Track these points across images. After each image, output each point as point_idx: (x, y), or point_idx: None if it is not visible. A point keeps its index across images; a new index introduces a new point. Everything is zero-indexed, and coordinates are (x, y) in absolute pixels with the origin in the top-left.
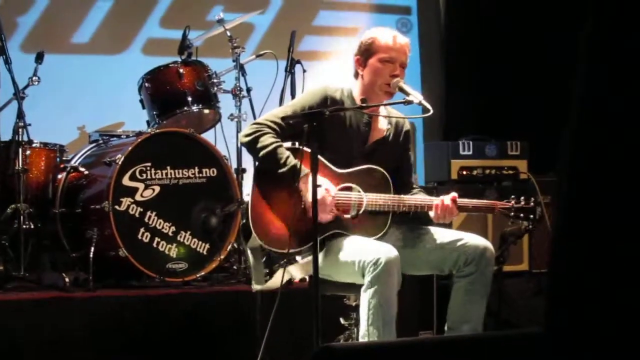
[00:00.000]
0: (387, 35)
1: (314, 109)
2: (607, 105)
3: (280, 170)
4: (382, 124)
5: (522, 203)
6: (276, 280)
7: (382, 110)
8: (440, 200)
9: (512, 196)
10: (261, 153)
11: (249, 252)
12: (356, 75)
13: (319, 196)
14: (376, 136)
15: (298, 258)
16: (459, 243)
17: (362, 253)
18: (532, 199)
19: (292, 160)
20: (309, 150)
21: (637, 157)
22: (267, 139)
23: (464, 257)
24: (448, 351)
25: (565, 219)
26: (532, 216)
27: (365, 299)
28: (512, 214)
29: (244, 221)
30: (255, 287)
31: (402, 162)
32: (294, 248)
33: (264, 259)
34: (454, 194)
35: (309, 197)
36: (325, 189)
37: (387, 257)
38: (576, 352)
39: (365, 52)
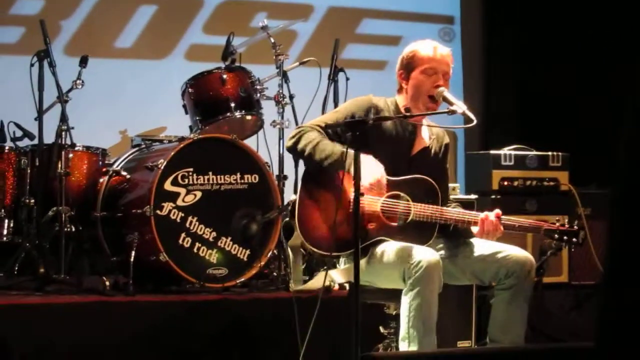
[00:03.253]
0: (428, 46)
1: (356, 118)
2: None
3: (328, 161)
4: (425, 135)
5: (567, 226)
6: (316, 281)
7: (424, 121)
8: (485, 215)
9: (557, 218)
10: (307, 149)
11: (289, 250)
12: (400, 89)
13: (377, 176)
14: (419, 147)
15: (340, 263)
16: (500, 255)
17: (404, 257)
18: (576, 222)
19: (339, 148)
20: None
21: None
22: (311, 135)
23: (504, 270)
24: None
25: (618, 230)
26: (575, 239)
27: (406, 301)
28: (557, 236)
29: (287, 219)
30: (293, 287)
31: (441, 174)
32: (336, 252)
33: (304, 259)
34: (497, 211)
35: (363, 180)
36: (381, 174)
37: (429, 260)
38: None
39: (408, 66)
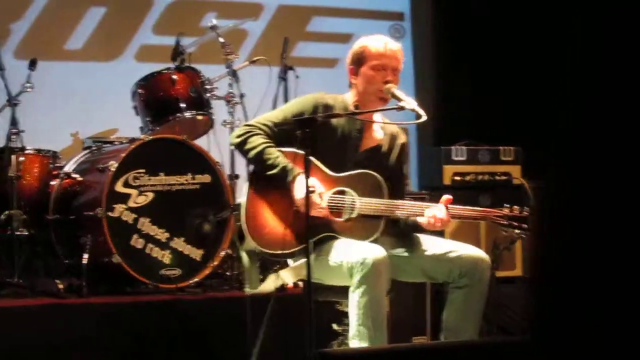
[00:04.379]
0: (378, 42)
1: (305, 115)
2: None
3: (270, 172)
4: (377, 133)
5: (516, 212)
6: (269, 284)
7: (377, 119)
8: (433, 207)
9: (506, 205)
10: (251, 153)
11: (243, 254)
12: (350, 85)
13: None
14: (369, 144)
15: (290, 262)
16: (453, 254)
17: (350, 254)
18: (526, 207)
19: (283, 161)
20: (300, 152)
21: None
22: (257, 139)
23: (457, 270)
24: (441, 357)
25: (547, 231)
26: (525, 225)
27: (354, 299)
28: (505, 222)
29: (239, 223)
30: (249, 290)
31: (395, 173)
32: (286, 250)
33: (258, 262)
34: (448, 197)
35: (297, 197)
36: (312, 186)
37: (375, 256)
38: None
39: (358, 61)
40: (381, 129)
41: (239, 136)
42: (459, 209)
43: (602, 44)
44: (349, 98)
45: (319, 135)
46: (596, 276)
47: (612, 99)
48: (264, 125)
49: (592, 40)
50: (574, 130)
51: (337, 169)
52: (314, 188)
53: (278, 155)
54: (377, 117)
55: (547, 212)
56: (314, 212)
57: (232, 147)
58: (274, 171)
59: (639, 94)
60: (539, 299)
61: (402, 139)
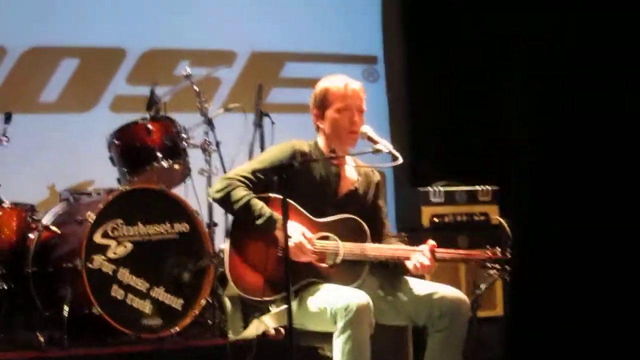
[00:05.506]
0: (339, 83)
1: (282, 163)
2: None
3: (257, 222)
4: (352, 175)
5: (499, 254)
6: (251, 330)
7: (349, 161)
8: (419, 251)
9: (487, 246)
10: (235, 207)
11: (226, 300)
12: (317, 128)
13: (296, 241)
14: (347, 187)
15: (272, 308)
16: (435, 296)
17: (333, 300)
18: (509, 250)
19: (267, 211)
20: (279, 197)
21: None
22: (239, 192)
23: (438, 311)
24: None
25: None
26: (507, 267)
27: (339, 344)
28: (489, 265)
29: (222, 269)
30: (232, 336)
31: (374, 212)
32: (269, 296)
33: (241, 308)
34: (432, 243)
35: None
36: (302, 233)
37: (358, 302)
38: None
39: (321, 105)
40: (355, 170)
41: (219, 190)
42: (444, 252)
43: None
44: (320, 142)
45: (298, 182)
46: (572, 315)
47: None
48: (243, 176)
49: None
50: (533, 165)
51: (317, 214)
52: (303, 235)
53: (262, 206)
54: (349, 159)
55: (519, 250)
56: (304, 258)
57: (213, 201)
58: (260, 222)
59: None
60: (512, 335)
61: (376, 177)
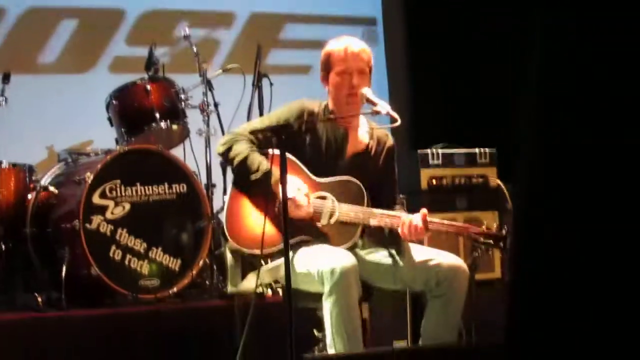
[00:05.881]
0: (340, 46)
1: (290, 122)
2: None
3: (253, 177)
4: (363, 137)
5: (494, 230)
6: (248, 283)
7: (363, 124)
8: (409, 219)
9: (485, 223)
10: (235, 160)
11: (228, 253)
12: (328, 91)
13: (291, 195)
14: (355, 149)
15: (268, 262)
16: (431, 263)
17: (320, 262)
18: (505, 227)
19: (265, 166)
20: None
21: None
22: (241, 146)
23: (435, 278)
24: None
25: (522, 240)
26: (502, 244)
27: (327, 307)
28: (482, 239)
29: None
30: (231, 289)
31: (384, 178)
32: (264, 251)
33: (241, 262)
34: (424, 211)
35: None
36: (297, 188)
37: (343, 265)
38: None
39: (325, 68)
40: (367, 133)
41: (223, 144)
42: (437, 222)
43: (567, 43)
44: (330, 104)
45: (302, 141)
46: (572, 281)
47: (579, 97)
48: (249, 132)
49: (556, 39)
50: (541, 129)
51: (323, 175)
52: (301, 188)
53: (261, 161)
54: (363, 122)
55: (523, 214)
56: (298, 212)
57: (219, 155)
58: (258, 175)
59: (607, 91)
60: (514, 302)
61: (390, 141)
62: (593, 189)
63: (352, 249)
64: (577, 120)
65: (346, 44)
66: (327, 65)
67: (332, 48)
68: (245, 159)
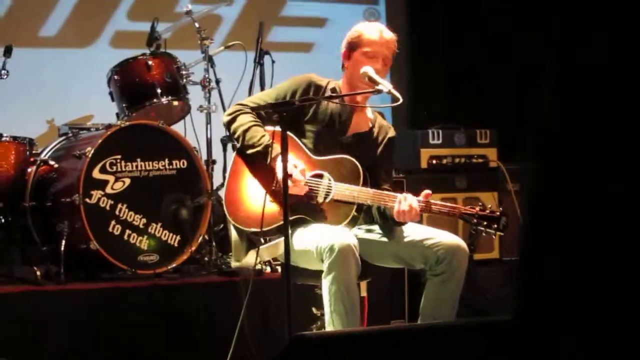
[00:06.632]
0: (374, 29)
1: (296, 95)
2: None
3: (252, 150)
4: (367, 121)
5: (487, 211)
6: (249, 259)
7: (368, 110)
8: (405, 198)
9: (480, 203)
10: (237, 131)
11: (232, 228)
12: (343, 67)
13: (290, 172)
14: (358, 129)
15: (266, 240)
16: (431, 242)
17: (318, 239)
18: (500, 208)
19: (266, 140)
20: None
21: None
22: (245, 118)
23: (435, 257)
24: (417, 339)
25: (535, 211)
26: (495, 226)
27: (326, 285)
28: (475, 220)
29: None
30: (234, 263)
31: (379, 165)
32: (263, 228)
33: (246, 237)
34: (427, 192)
35: (280, 176)
36: (294, 165)
37: (341, 243)
38: (541, 339)
39: (352, 46)
40: (371, 120)
41: (229, 114)
42: (431, 204)
43: (580, 30)
44: (342, 80)
45: (304, 118)
46: (586, 260)
47: (594, 81)
48: (255, 104)
49: (569, 25)
50: (556, 111)
51: (324, 152)
52: (297, 165)
53: (263, 135)
54: (368, 109)
55: (536, 193)
56: (294, 190)
57: (224, 125)
58: (257, 149)
59: (619, 75)
60: (526, 278)
61: (391, 133)
62: (615, 168)
63: (351, 226)
64: (599, 101)
65: (381, 29)
66: (356, 43)
67: (365, 29)
68: (247, 130)
